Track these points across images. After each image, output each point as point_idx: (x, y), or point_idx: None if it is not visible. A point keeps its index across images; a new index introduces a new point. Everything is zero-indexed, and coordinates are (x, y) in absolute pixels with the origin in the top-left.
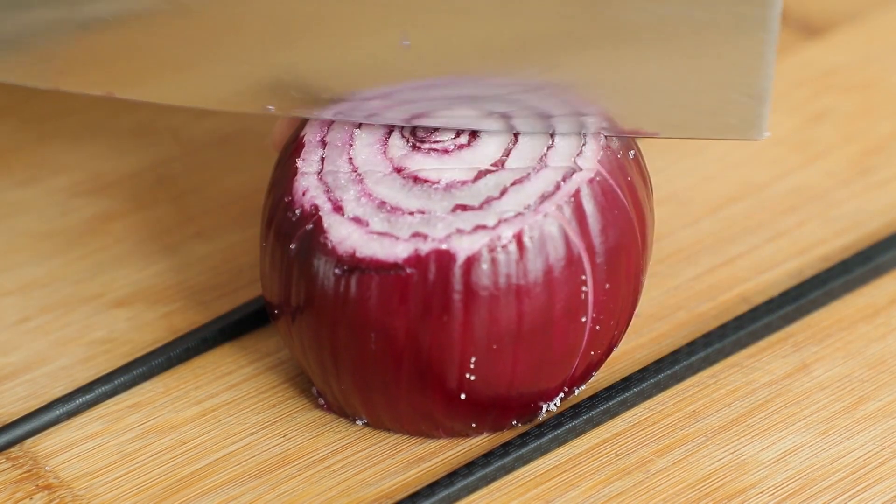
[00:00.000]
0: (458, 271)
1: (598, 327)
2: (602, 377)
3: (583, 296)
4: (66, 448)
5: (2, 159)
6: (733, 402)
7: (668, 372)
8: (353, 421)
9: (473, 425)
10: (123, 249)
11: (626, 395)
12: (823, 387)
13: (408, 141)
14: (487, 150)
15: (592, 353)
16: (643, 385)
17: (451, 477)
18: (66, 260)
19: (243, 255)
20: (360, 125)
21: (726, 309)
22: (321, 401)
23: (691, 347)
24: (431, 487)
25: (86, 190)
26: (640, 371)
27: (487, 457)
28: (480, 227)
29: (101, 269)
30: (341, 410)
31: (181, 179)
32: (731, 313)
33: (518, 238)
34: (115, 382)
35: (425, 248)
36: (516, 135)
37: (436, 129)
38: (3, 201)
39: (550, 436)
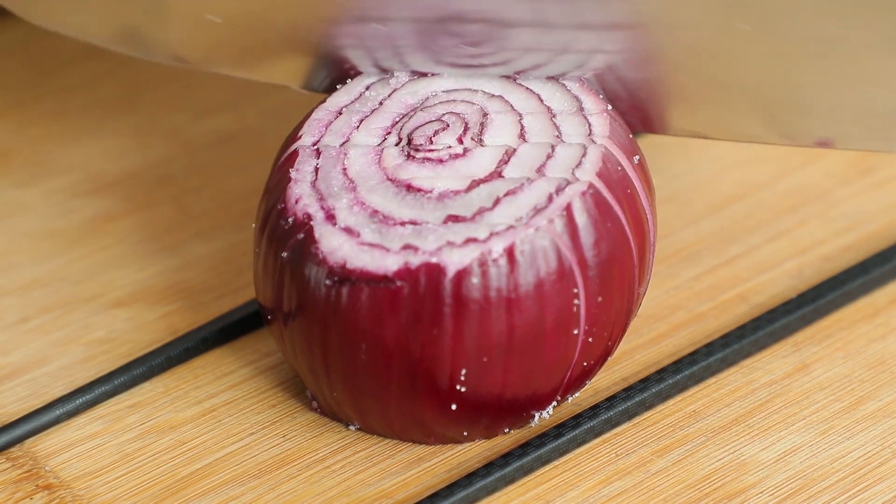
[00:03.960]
0: (448, 285)
1: (590, 339)
2: (601, 378)
3: (574, 309)
4: (66, 448)
5: (2, 159)
6: (733, 403)
7: (670, 381)
8: (347, 426)
9: (465, 433)
10: (123, 249)
11: (628, 404)
12: (823, 387)
13: (403, 150)
14: (482, 160)
15: (585, 363)
16: (645, 395)
17: (451, 488)
18: (66, 260)
19: (243, 255)
20: (358, 126)
21: (726, 309)
22: (314, 404)
23: (693, 357)
24: (431, 499)
25: (86, 190)
26: (641, 381)
27: (488, 467)
28: (471, 240)
29: (100, 269)
30: (334, 415)
31: (181, 179)
32: (731, 313)
33: (509, 252)
34: (115, 382)
35: (416, 260)
36: (515, 145)
37: (432, 137)
38: (3, 201)
39: (551, 445)
